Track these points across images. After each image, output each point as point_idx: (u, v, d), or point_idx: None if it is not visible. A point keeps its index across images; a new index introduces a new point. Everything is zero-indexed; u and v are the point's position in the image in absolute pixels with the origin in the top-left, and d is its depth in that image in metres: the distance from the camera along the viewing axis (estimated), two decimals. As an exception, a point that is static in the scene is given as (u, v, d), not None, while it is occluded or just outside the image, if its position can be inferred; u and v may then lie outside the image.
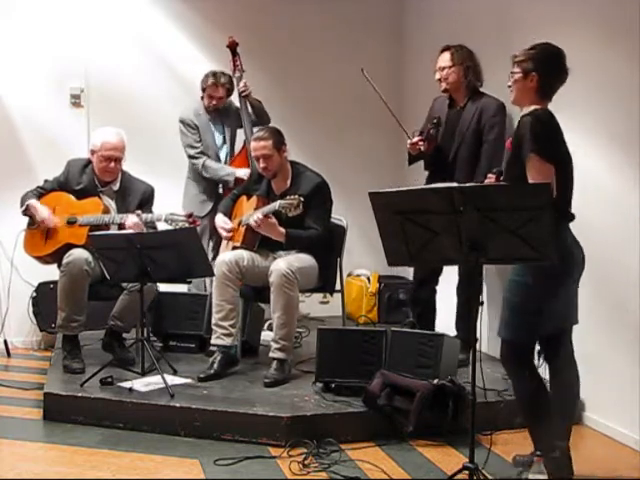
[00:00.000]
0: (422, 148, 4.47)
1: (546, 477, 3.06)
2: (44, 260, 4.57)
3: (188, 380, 4.18)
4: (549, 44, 3.12)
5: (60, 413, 3.93)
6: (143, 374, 4.17)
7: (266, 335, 4.75)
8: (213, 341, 4.29)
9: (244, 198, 4.61)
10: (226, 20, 5.66)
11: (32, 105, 5.43)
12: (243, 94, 5.12)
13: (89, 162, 4.56)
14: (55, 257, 4.47)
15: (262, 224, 4.21)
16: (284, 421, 3.63)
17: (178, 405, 3.81)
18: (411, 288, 4.94)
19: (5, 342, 5.26)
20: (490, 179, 3.34)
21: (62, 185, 4.58)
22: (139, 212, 4.39)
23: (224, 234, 4.55)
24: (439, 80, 4.48)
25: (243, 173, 4.98)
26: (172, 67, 5.69)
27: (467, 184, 2.78)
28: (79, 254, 4.31)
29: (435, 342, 3.86)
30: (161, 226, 4.46)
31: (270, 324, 4.51)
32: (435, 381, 3.66)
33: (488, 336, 4.75)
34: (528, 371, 3.12)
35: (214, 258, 4.60)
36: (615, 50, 3.67)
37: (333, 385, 3.98)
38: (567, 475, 3.09)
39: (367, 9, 6.00)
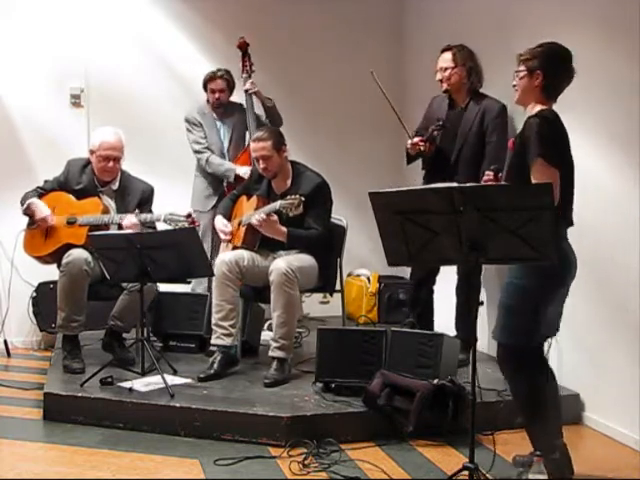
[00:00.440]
0: (422, 148, 4.47)
1: (546, 477, 3.06)
2: (44, 260, 4.57)
3: (188, 380, 4.18)
4: (556, 43, 3.09)
5: (60, 413, 3.93)
6: (143, 374, 4.17)
7: (266, 335, 4.75)
8: (213, 341, 4.29)
9: (244, 198, 4.62)
10: (226, 20, 5.66)
11: (32, 105, 5.43)
12: (248, 92, 5.14)
13: (89, 162, 4.56)
14: (55, 257, 4.47)
15: (264, 223, 4.21)
16: (284, 421, 3.63)
17: (178, 405, 3.81)
18: (410, 288, 4.94)
19: (5, 342, 5.26)
20: (488, 176, 3.34)
21: (62, 185, 4.58)
22: (137, 212, 4.40)
23: (223, 237, 4.56)
24: (440, 80, 4.47)
25: (243, 171, 5.00)
26: (172, 67, 5.69)
27: (467, 184, 2.76)
28: (79, 254, 4.31)
29: (435, 342, 3.86)
30: (160, 226, 4.46)
31: (270, 324, 4.51)
32: (435, 381, 3.66)
33: (488, 336, 4.77)
34: (530, 372, 3.08)
35: (212, 258, 4.61)
36: (615, 50, 3.67)
37: (333, 385, 3.98)
38: (567, 475, 3.09)
39: (367, 9, 6.00)
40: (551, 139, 2.93)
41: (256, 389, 4.06)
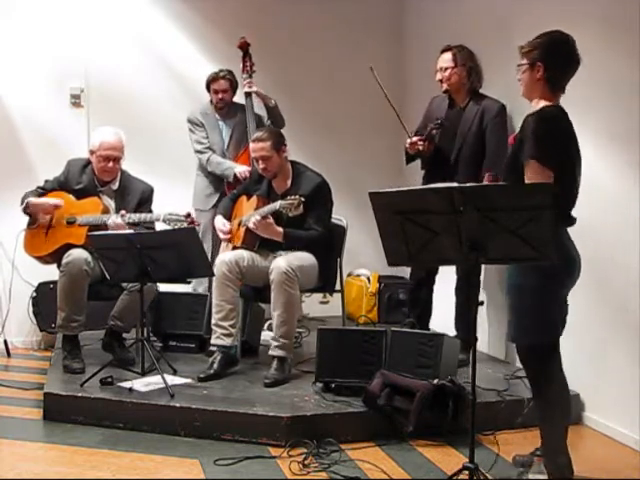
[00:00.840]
0: (420, 148, 4.47)
1: (546, 477, 3.07)
2: (44, 260, 4.57)
3: (188, 380, 4.18)
4: (556, 31, 3.02)
5: (60, 413, 3.93)
6: (143, 374, 4.17)
7: (266, 335, 4.75)
8: (213, 341, 4.29)
9: (244, 198, 4.62)
10: (226, 20, 5.66)
11: (32, 105, 5.43)
12: (247, 90, 5.14)
13: (89, 162, 4.56)
14: (55, 257, 4.47)
15: (260, 226, 4.21)
16: (284, 421, 3.63)
17: (178, 405, 3.81)
18: (410, 289, 4.94)
19: (5, 342, 5.26)
20: (488, 180, 3.33)
21: (62, 185, 4.58)
22: (123, 212, 4.39)
23: (222, 236, 4.56)
24: (440, 80, 4.48)
25: (241, 170, 5.00)
26: (172, 67, 5.69)
27: (467, 184, 2.76)
28: (78, 254, 4.31)
29: (435, 342, 3.86)
30: (160, 226, 4.46)
31: (270, 324, 4.51)
32: (435, 381, 3.66)
33: (488, 336, 4.78)
34: (549, 371, 3.04)
35: (212, 257, 4.61)
36: (615, 49, 3.67)
37: (333, 385, 3.98)
38: (567, 475, 3.09)
39: (367, 9, 6.00)
40: (547, 140, 2.88)
41: (256, 389, 4.06)
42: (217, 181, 5.21)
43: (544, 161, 2.87)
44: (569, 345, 3.17)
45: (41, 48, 5.41)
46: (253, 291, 4.49)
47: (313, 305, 5.59)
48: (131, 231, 4.22)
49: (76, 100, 5.53)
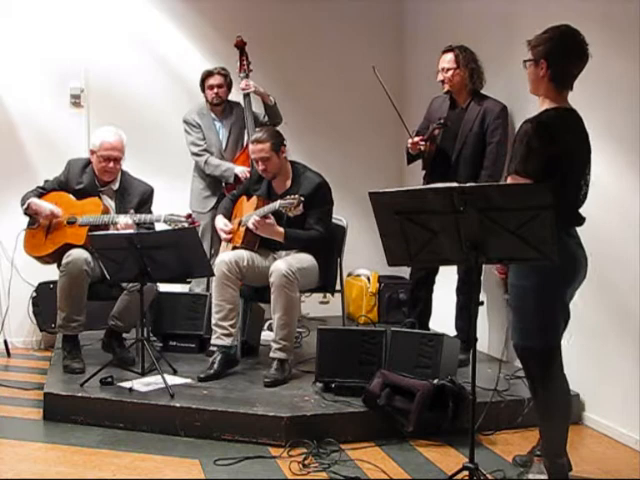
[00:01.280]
0: (422, 148, 4.47)
1: (546, 477, 3.07)
2: (44, 260, 4.57)
3: (188, 380, 4.18)
4: (563, 26, 2.94)
5: (60, 413, 3.93)
6: (143, 374, 4.17)
7: (266, 335, 4.75)
8: (213, 341, 4.29)
9: (244, 198, 4.62)
10: (226, 20, 5.66)
11: (32, 105, 5.43)
12: (244, 92, 5.13)
13: (89, 162, 4.56)
14: (55, 257, 4.47)
15: (259, 226, 4.21)
16: (284, 421, 3.63)
17: (178, 405, 3.81)
18: (409, 288, 4.94)
19: (5, 342, 5.26)
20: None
21: (62, 185, 4.58)
22: (132, 212, 4.39)
23: (224, 236, 4.56)
24: (442, 81, 4.47)
25: (241, 170, 5.00)
26: (172, 67, 5.69)
27: (467, 184, 2.76)
28: (78, 254, 4.31)
29: (435, 342, 3.86)
30: (160, 227, 4.45)
31: (270, 324, 4.51)
32: (435, 381, 3.66)
33: (488, 336, 4.78)
34: (550, 373, 3.01)
35: (212, 257, 4.61)
36: (616, 49, 3.66)
37: (333, 385, 3.98)
38: (567, 476, 3.09)
39: (367, 9, 6.00)
40: (538, 152, 2.82)
41: (256, 389, 4.06)
42: (214, 183, 5.18)
43: (528, 175, 2.82)
44: (569, 345, 3.16)
45: (41, 48, 5.41)
46: (253, 291, 4.49)
47: (313, 305, 5.59)
48: (131, 231, 4.22)
49: (76, 100, 5.53)
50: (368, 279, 5.85)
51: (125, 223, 4.32)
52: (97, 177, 4.54)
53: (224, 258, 4.30)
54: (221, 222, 4.59)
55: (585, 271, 3.05)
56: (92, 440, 3.69)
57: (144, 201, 4.58)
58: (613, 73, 3.68)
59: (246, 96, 5.15)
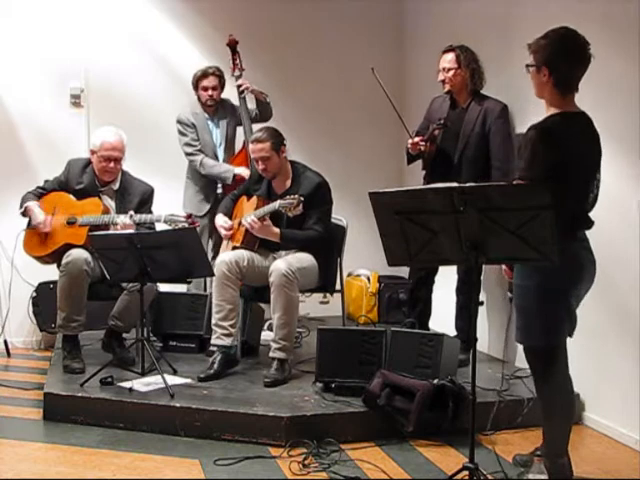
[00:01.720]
0: (422, 148, 4.47)
1: (546, 477, 3.07)
2: (44, 260, 4.57)
3: (188, 380, 4.18)
4: (563, 29, 2.92)
5: (60, 413, 3.93)
6: (143, 374, 4.17)
7: (266, 335, 4.75)
8: (213, 341, 4.29)
9: (244, 198, 4.61)
10: (226, 20, 5.66)
11: (32, 105, 5.43)
12: (242, 94, 5.12)
13: (89, 162, 4.56)
14: (55, 257, 4.47)
15: (255, 226, 4.22)
16: (284, 421, 3.63)
17: (178, 405, 3.81)
18: (409, 289, 4.93)
19: (5, 342, 5.27)
20: None
21: (62, 185, 4.58)
22: (132, 213, 4.39)
23: (224, 232, 4.56)
24: (442, 81, 4.46)
25: (241, 170, 4.99)
26: (172, 67, 5.69)
27: (467, 184, 2.76)
28: (78, 254, 4.31)
29: (435, 342, 3.87)
30: (161, 227, 4.45)
31: (270, 324, 4.51)
32: (435, 381, 3.66)
33: (488, 336, 4.77)
34: (554, 372, 3.02)
35: (214, 258, 4.60)
36: (616, 49, 3.66)
37: (333, 385, 3.98)
38: (568, 476, 3.09)
39: (367, 9, 6.00)
40: (542, 158, 2.84)
41: (256, 389, 4.06)
42: (208, 186, 5.14)
43: (533, 182, 2.82)
44: (569, 345, 3.16)
45: (41, 48, 5.41)
46: (253, 291, 4.49)
47: (313, 305, 5.59)
48: (131, 231, 4.22)
49: (76, 100, 5.53)
50: (368, 279, 5.85)
51: (124, 223, 4.32)
52: (97, 177, 4.54)
53: (224, 258, 4.30)
54: (221, 219, 4.59)
55: (591, 275, 3.05)
56: (92, 440, 3.69)
57: (144, 201, 4.57)
58: (613, 73, 3.68)
59: (241, 95, 5.13)
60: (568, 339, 3.09)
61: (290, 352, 4.24)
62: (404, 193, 2.82)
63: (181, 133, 5.15)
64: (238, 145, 5.30)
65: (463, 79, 4.42)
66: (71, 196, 4.53)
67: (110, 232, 4.29)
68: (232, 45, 5.19)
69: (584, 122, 3.00)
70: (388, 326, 4.59)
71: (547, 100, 2.99)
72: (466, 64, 4.40)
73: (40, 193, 4.58)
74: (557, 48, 2.91)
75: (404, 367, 3.82)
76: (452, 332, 4.45)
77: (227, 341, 4.25)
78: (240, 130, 5.25)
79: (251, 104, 5.21)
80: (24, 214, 4.52)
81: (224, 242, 4.66)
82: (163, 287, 4.72)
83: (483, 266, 3.39)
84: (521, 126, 4.38)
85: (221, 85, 5.18)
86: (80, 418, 3.89)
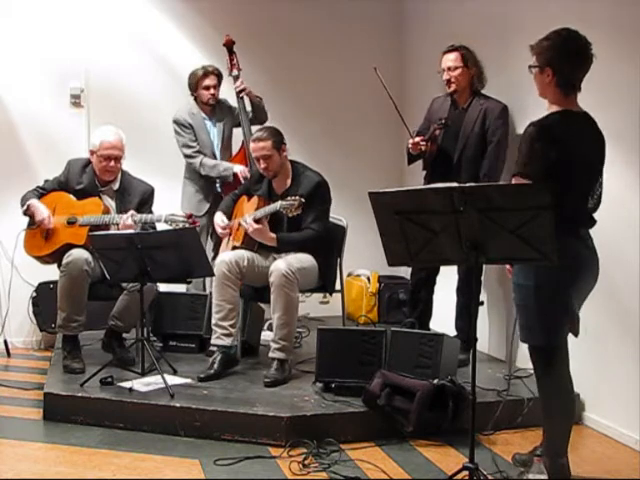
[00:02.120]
0: (423, 148, 4.47)
1: (546, 477, 3.07)
2: (44, 260, 4.57)
3: (188, 380, 4.18)
4: (565, 30, 2.94)
5: (60, 413, 3.93)
6: (143, 374, 4.17)
7: (266, 335, 4.75)
8: (213, 341, 4.30)
9: (245, 198, 4.62)
10: (225, 19, 5.65)
11: (32, 105, 5.43)
12: (240, 94, 5.12)
13: (89, 162, 4.56)
14: (55, 257, 4.47)
15: (252, 230, 4.23)
16: (284, 421, 3.63)
17: (178, 405, 3.81)
18: (410, 289, 4.93)
19: (5, 342, 5.26)
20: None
21: (62, 185, 4.58)
22: (133, 212, 4.39)
23: (219, 231, 4.56)
24: (448, 80, 4.44)
25: (240, 169, 4.99)
26: (172, 67, 5.69)
27: (467, 184, 2.76)
28: (79, 254, 4.31)
29: (435, 342, 3.86)
30: (161, 227, 4.46)
31: (270, 324, 4.51)
32: (435, 381, 3.66)
33: (488, 336, 4.77)
34: (556, 372, 3.03)
35: (214, 258, 4.61)
36: (616, 49, 3.66)
37: (333, 385, 3.98)
38: (567, 476, 3.09)
39: (367, 9, 5.99)
40: (540, 154, 2.85)
41: (256, 389, 4.06)
42: (207, 186, 5.14)
43: (529, 176, 2.84)
44: (569, 345, 3.17)
45: (41, 48, 5.41)
46: (253, 291, 4.49)
47: (313, 305, 5.59)
48: (131, 231, 4.22)
49: (76, 100, 5.53)
50: (368, 279, 5.85)
51: (126, 225, 4.32)
52: (97, 177, 4.54)
53: (224, 258, 4.30)
54: (218, 218, 4.59)
55: (594, 274, 3.05)
56: (92, 440, 3.69)
57: (145, 201, 4.58)
58: (614, 72, 3.68)
59: (240, 96, 5.13)
60: (569, 338, 3.10)
61: (290, 352, 4.24)
62: (404, 193, 2.82)
63: (178, 134, 5.14)
64: (235, 146, 5.30)
65: (469, 77, 4.41)
66: (71, 196, 4.53)
67: (110, 232, 4.30)
68: (229, 45, 5.19)
69: (586, 122, 3.02)
70: (388, 326, 4.59)
71: (550, 99, 3.01)
72: (473, 62, 4.39)
73: (40, 193, 4.58)
74: (560, 49, 2.93)
75: (404, 367, 3.82)
76: (452, 332, 4.45)
77: (227, 341, 4.25)
78: (237, 130, 5.25)
79: (248, 105, 5.21)
80: (26, 213, 4.51)
81: (224, 242, 4.66)
82: (163, 287, 4.72)
83: (484, 266, 3.40)
84: (521, 126, 4.36)
85: (219, 84, 5.18)
86: (80, 418, 3.89)
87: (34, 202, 4.49)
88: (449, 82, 4.44)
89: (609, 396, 3.83)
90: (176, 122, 5.14)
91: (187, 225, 4.26)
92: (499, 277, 4.54)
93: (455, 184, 2.79)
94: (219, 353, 4.25)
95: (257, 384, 4.12)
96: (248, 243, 4.40)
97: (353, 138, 6.03)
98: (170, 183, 5.19)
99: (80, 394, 3.96)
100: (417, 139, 4.48)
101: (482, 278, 4.27)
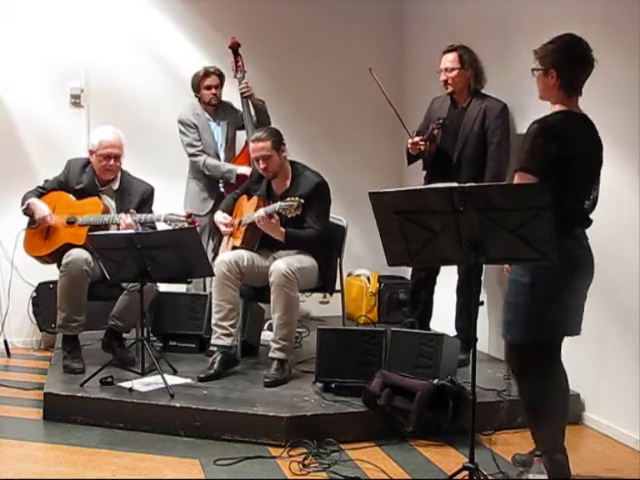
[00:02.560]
0: (422, 148, 4.47)
1: (546, 477, 3.07)
2: (44, 260, 4.57)
3: (188, 380, 4.18)
4: (568, 36, 3.01)
5: (60, 413, 3.93)
6: (143, 374, 4.17)
7: (266, 335, 4.75)
8: (213, 341, 4.30)
9: (244, 198, 4.62)
10: (226, 20, 5.66)
11: (32, 105, 5.43)
12: (245, 95, 5.13)
13: (89, 162, 4.56)
14: (55, 257, 4.47)
15: (263, 222, 4.22)
16: (284, 421, 3.63)
17: (178, 405, 3.81)
18: (410, 290, 4.93)
19: (5, 342, 5.26)
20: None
21: (62, 185, 4.58)
22: (133, 211, 4.39)
23: (223, 228, 4.56)
24: (444, 81, 4.45)
25: (244, 170, 4.99)
26: (172, 67, 5.69)
27: (467, 184, 2.76)
28: (79, 254, 4.31)
29: (435, 342, 3.86)
30: (161, 226, 4.46)
31: (270, 324, 4.51)
32: (435, 381, 3.66)
33: (488, 336, 4.77)
34: (536, 371, 3.04)
35: (214, 258, 4.60)
36: (616, 49, 3.66)
37: (333, 385, 3.98)
38: (566, 476, 3.09)
39: (367, 9, 5.99)
40: (541, 154, 2.88)
41: (256, 389, 4.06)
42: (211, 185, 5.16)
43: (532, 173, 2.87)
44: (569, 345, 3.17)
45: (41, 48, 5.41)
46: (253, 291, 4.49)
47: (313, 305, 5.59)
48: (131, 231, 4.22)
49: (76, 100, 5.53)
50: (368, 279, 5.85)
51: (126, 223, 4.32)
52: (97, 177, 4.54)
53: (224, 258, 4.30)
54: (220, 215, 4.59)
55: (588, 273, 3.06)
56: (92, 440, 3.69)
57: (144, 201, 4.58)
58: (613, 73, 3.68)
59: (244, 97, 5.14)
60: (568, 338, 3.10)
61: (290, 352, 4.24)
62: (404, 193, 2.82)
63: (182, 133, 5.17)
64: (237, 147, 5.31)
65: (466, 79, 4.41)
66: (71, 196, 4.53)
67: (110, 232, 4.30)
68: (234, 47, 5.20)
69: (586, 124, 3.06)
70: (388, 326, 4.59)
71: (552, 101, 3.05)
72: (469, 63, 4.39)
73: (40, 193, 4.58)
74: (563, 53, 2.99)
75: (404, 367, 3.82)
76: (452, 332, 4.45)
77: (227, 341, 4.25)
78: (241, 131, 5.25)
79: (252, 108, 5.22)
80: (26, 212, 4.51)
81: (224, 241, 4.66)
82: (163, 287, 4.72)
83: (484, 266, 3.40)
84: (521, 126, 4.38)
85: (221, 84, 5.19)
86: (80, 418, 3.89)
87: (34, 200, 4.49)
88: (446, 83, 4.45)
89: (609, 396, 3.83)
90: (181, 122, 5.17)
91: (186, 225, 4.26)
92: (499, 277, 4.54)
93: (455, 184, 2.79)
94: (219, 353, 4.25)
95: (257, 384, 4.12)
96: (248, 243, 4.40)
97: (353, 138, 6.02)
98: (170, 183, 5.19)
99: (80, 394, 3.96)
100: (416, 139, 4.47)
101: (482, 278, 4.27)
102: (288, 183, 4.43)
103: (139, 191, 4.58)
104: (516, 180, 2.93)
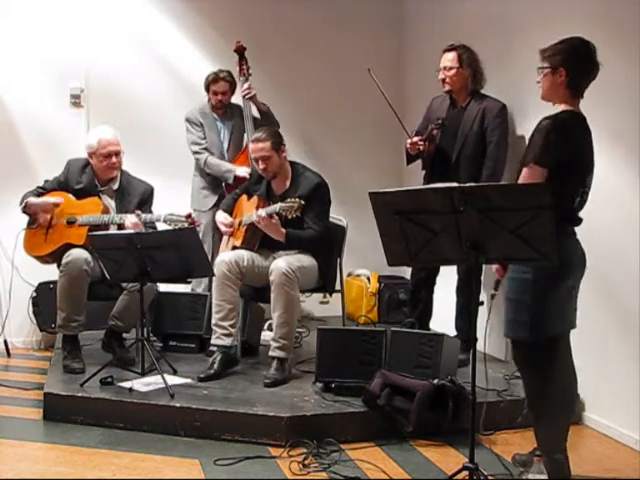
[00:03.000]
0: (421, 148, 4.47)
1: (546, 477, 3.07)
2: (44, 260, 4.57)
3: (188, 380, 4.18)
4: (578, 38, 3.05)
5: (60, 413, 3.93)
6: (143, 374, 4.17)
7: (266, 335, 4.75)
8: (213, 341, 4.30)
9: (245, 198, 4.62)
10: (225, 20, 5.66)
11: (32, 105, 5.43)
12: (246, 96, 5.14)
13: (89, 162, 4.56)
14: (55, 257, 4.47)
15: (264, 222, 4.22)
16: (284, 421, 3.63)
17: (178, 405, 3.81)
18: (410, 290, 4.93)
19: (5, 342, 5.26)
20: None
21: (62, 185, 4.58)
22: (139, 212, 4.40)
23: (223, 229, 4.56)
24: (443, 80, 4.45)
25: (243, 171, 5.00)
26: (172, 67, 5.69)
27: (467, 184, 2.76)
28: (78, 254, 4.31)
29: (435, 342, 3.87)
30: (160, 226, 4.46)
31: (270, 324, 4.51)
32: (435, 381, 3.66)
33: (489, 336, 4.77)
34: (542, 368, 3.05)
35: (214, 259, 4.61)
36: (616, 49, 3.66)
37: (333, 385, 3.98)
38: (566, 475, 3.09)
39: (367, 9, 5.99)
40: (554, 148, 2.90)
41: (256, 389, 4.06)
42: (214, 182, 5.19)
43: (545, 166, 2.90)
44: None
45: (41, 48, 5.41)
46: (253, 291, 4.49)
47: (313, 305, 5.59)
48: (131, 231, 4.22)
49: (76, 100, 5.53)
50: (368, 279, 5.85)
51: (132, 223, 4.32)
52: (97, 177, 4.54)
53: (224, 258, 4.30)
54: (221, 216, 4.60)
55: (581, 270, 3.09)
56: (92, 440, 3.69)
57: (144, 200, 4.58)
58: (613, 72, 3.66)
59: (246, 100, 5.15)
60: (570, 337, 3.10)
61: (290, 351, 4.24)
62: (404, 193, 2.82)
63: (188, 131, 5.21)
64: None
65: (464, 78, 4.41)
66: (71, 196, 4.53)
67: (110, 232, 4.30)
68: (240, 51, 5.21)
69: (586, 125, 3.08)
70: (388, 326, 4.59)
71: (557, 100, 3.07)
72: (468, 63, 4.39)
73: (40, 193, 4.58)
74: (574, 53, 3.02)
75: (404, 367, 3.82)
76: (452, 332, 4.45)
77: (227, 341, 4.25)
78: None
79: (255, 110, 5.22)
80: (25, 211, 4.51)
81: (224, 241, 4.67)
82: (163, 287, 4.72)
83: (484, 266, 3.39)
84: (521, 126, 4.38)
85: (232, 90, 5.20)
86: (80, 418, 3.89)
87: (31, 199, 4.49)
88: (444, 81, 4.45)
89: (609, 396, 3.83)
90: (188, 120, 5.20)
91: (186, 225, 4.26)
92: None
93: (455, 184, 2.79)
94: (219, 353, 4.25)
95: (257, 384, 4.12)
96: (248, 243, 4.40)
97: (353, 138, 6.02)
98: (170, 183, 5.20)
99: (80, 394, 3.96)
100: (415, 139, 4.47)
101: (482, 278, 4.27)
102: (288, 183, 4.43)
103: (139, 191, 4.59)
104: (526, 174, 2.94)
